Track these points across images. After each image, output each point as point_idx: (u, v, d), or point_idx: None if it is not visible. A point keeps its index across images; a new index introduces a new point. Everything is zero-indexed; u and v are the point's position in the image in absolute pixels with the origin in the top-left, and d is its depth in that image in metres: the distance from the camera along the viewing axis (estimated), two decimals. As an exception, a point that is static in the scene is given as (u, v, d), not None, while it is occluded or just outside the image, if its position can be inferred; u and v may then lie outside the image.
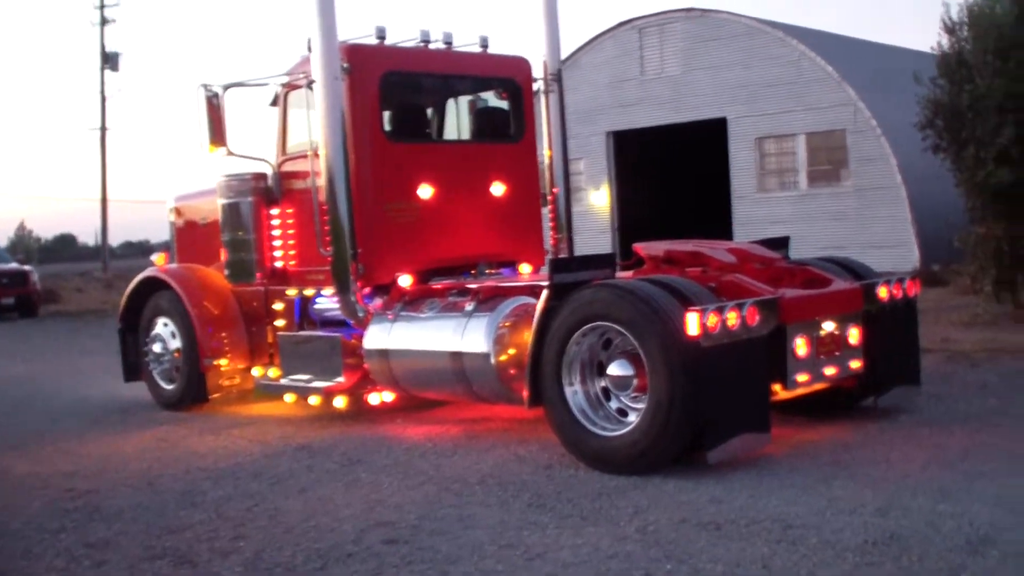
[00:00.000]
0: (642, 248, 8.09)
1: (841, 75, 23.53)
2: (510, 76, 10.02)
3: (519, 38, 11.93)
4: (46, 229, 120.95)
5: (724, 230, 25.93)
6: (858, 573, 4.91)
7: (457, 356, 8.07)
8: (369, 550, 5.77)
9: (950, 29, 14.52)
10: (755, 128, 25.10)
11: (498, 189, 9.86)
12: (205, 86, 9.29)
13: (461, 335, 8.05)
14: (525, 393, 7.38)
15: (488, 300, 8.20)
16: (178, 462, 8.29)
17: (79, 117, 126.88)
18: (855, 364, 7.67)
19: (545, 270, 8.49)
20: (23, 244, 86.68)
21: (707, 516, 5.91)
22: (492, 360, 7.87)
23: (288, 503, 6.87)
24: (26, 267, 27.10)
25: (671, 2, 26.54)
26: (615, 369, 6.97)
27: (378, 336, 8.69)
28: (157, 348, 10.66)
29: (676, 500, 6.27)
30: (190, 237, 11.16)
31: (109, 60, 42.85)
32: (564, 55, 27.83)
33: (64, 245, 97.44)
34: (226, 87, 9.43)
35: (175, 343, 10.47)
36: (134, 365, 11.05)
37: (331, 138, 8.67)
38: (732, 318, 6.58)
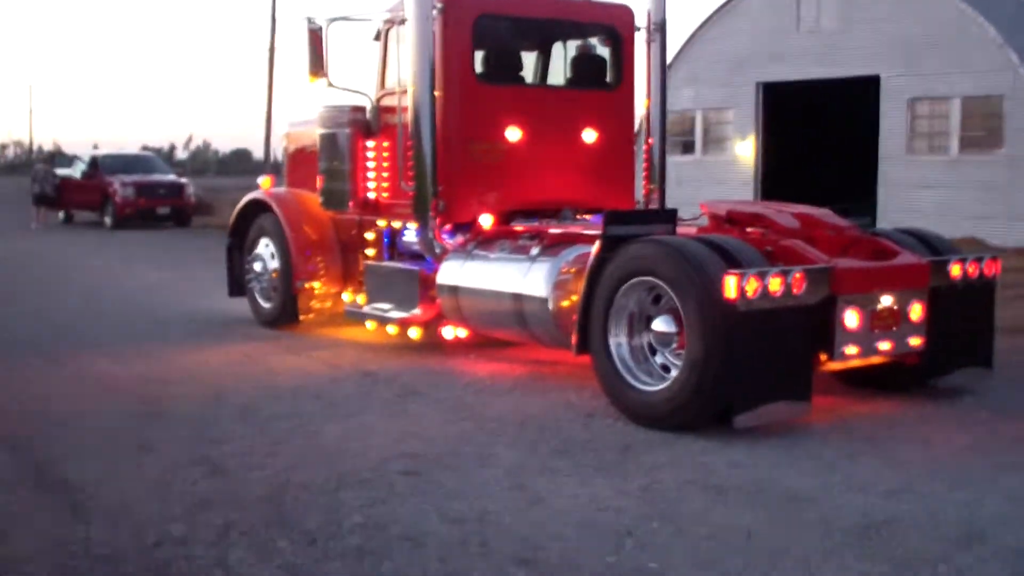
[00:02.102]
0: (707, 206, 8.03)
1: (1004, 38, 22.41)
2: (611, 24, 9.97)
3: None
4: (224, 144, 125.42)
5: (869, 191, 25.22)
6: (835, 552, 4.89)
7: (518, 298, 8.22)
8: (383, 478, 6.01)
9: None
10: (908, 88, 24.17)
11: (590, 136, 9.87)
12: (309, 19, 9.56)
13: (523, 278, 8.19)
14: (573, 339, 7.49)
15: (553, 246, 8.30)
16: (251, 378, 8.71)
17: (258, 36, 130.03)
18: (915, 341, 7.47)
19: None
20: (201, 157, 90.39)
21: (718, 480, 5.94)
22: (550, 305, 7.98)
23: (331, 426, 7.17)
24: (182, 179, 28.38)
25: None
26: (659, 325, 7.01)
27: (450, 272, 8.90)
28: (258, 267, 11.12)
29: (696, 461, 6.30)
30: (299, 163, 11.53)
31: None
32: (721, 1, 27.46)
33: (240, 159, 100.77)
34: (331, 20, 9.68)
35: (273, 264, 10.91)
36: (239, 282, 11.56)
37: (419, 76, 8.86)
38: (775, 284, 6.52)
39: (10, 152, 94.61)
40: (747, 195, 27.13)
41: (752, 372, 6.56)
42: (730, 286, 6.38)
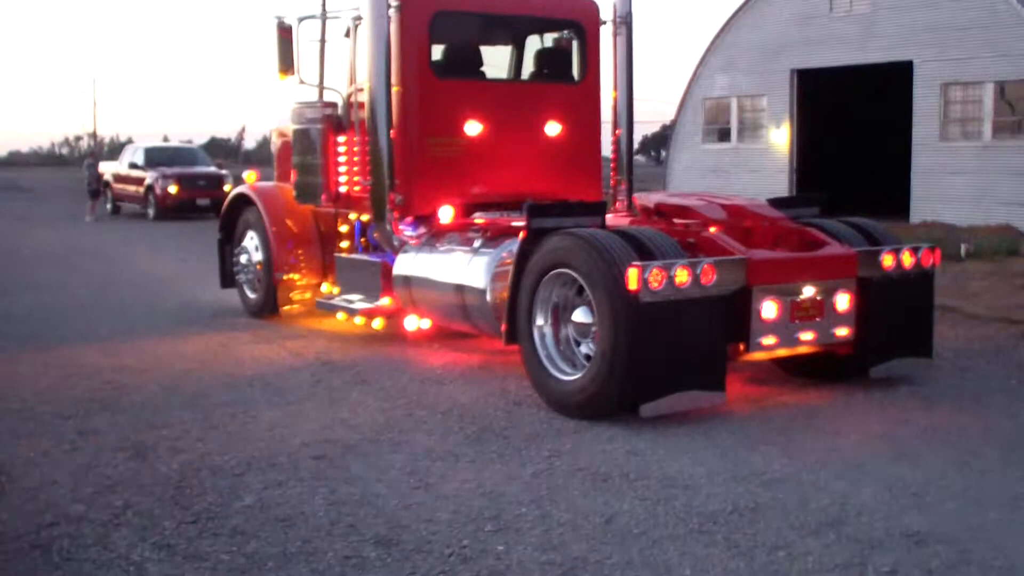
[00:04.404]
0: (638, 198, 8.18)
1: (1037, 21, 22.08)
2: (574, 18, 10.12)
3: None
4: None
5: (903, 177, 25.00)
6: (686, 538, 5.04)
7: (460, 289, 8.44)
8: (294, 463, 6.28)
9: None
10: (941, 73, 23.94)
11: (554, 129, 10.03)
12: (279, 17, 9.86)
13: (465, 269, 8.41)
14: (503, 328, 7.70)
15: (497, 238, 8.50)
16: (215, 366, 9.04)
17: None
18: (842, 332, 7.55)
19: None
20: (268, 148, 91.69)
21: (609, 467, 6.11)
22: (488, 296, 8.19)
23: (269, 413, 7.46)
24: (222, 171, 28.99)
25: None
26: (578, 316, 7.18)
27: (404, 264, 9.15)
28: (244, 259, 11.47)
29: (598, 449, 6.48)
30: (285, 158, 11.83)
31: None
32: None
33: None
34: (301, 19, 9.97)
35: (258, 256, 11.25)
36: (230, 274, 11.93)
37: (375, 71, 9.10)
38: (683, 275, 6.65)
39: (84, 143, 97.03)
40: (783, 183, 27.05)
41: (659, 362, 6.71)
42: (633, 277, 6.53)
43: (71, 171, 62.52)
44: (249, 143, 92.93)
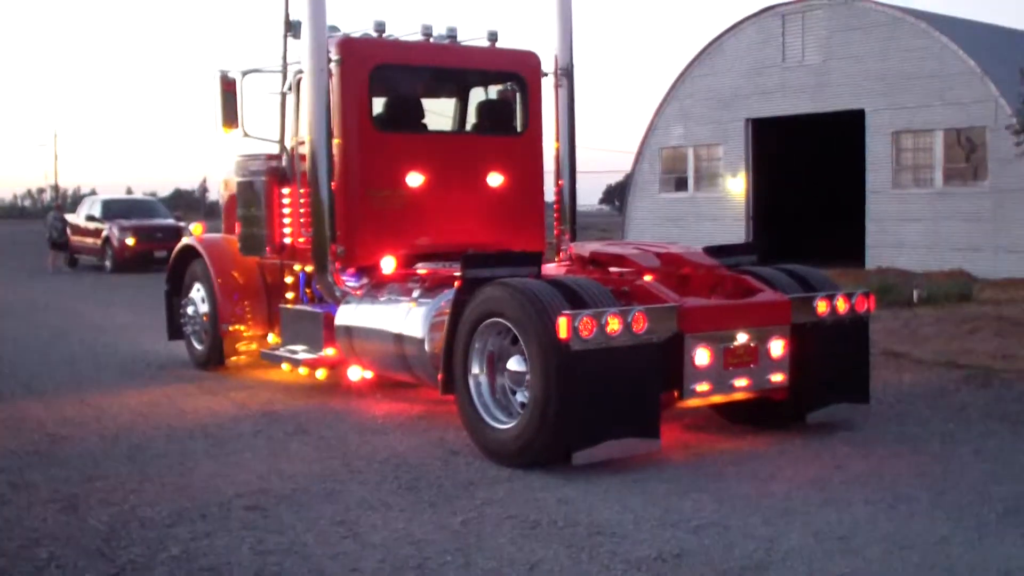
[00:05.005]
0: (574, 247, 8.26)
1: (984, 69, 22.54)
2: (514, 70, 10.26)
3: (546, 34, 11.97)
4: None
5: (858, 224, 25.33)
6: (607, 583, 5.08)
7: (399, 339, 8.47)
8: (226, 513, 6.26)
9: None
10: (892, 122, 24.35)
11: (496, 180, 10.13)
12: (222, 71, 9.93)
13: (404, 319, 8.45)
14: (439, 378, 7.72)
15: (435, 288, 8.54)
16: (157, 418, 9.00)
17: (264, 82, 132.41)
18: (776, 378, 7.63)
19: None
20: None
21: (539, 515, 6.12)
22: (426, 346, 8.22)
23: (206, 464, 7.43)
24: (180, 223, 28.92)
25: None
26: (512, 364, 7.23)
27: (345, 314, 9.18)
28: (191, 311, 11.46)
29: (530, 496, 6.50)
30: (232, 209, 11.86)
31: (292, 28, 44.44)
32: (708, 39, 27.73)
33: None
34: (244, 73, 10.05)
35: (204, 307, 11.23)
36: (177, 326, 11.89)
37: (315, 124, 9.18)
38: (614, 324, 6.72)
39: (47, 196, 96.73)
40: (739, 231, 27.30)
41: (591, 409, 6.75)
42: (563, 326, 6.59)
43: (33, 224, 62.12)
44: (213, 194, 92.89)
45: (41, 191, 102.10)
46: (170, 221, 28.90)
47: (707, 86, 28.10)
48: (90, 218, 29.17)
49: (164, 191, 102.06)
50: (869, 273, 22.37)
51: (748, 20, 27.20)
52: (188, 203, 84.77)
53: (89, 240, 28.92)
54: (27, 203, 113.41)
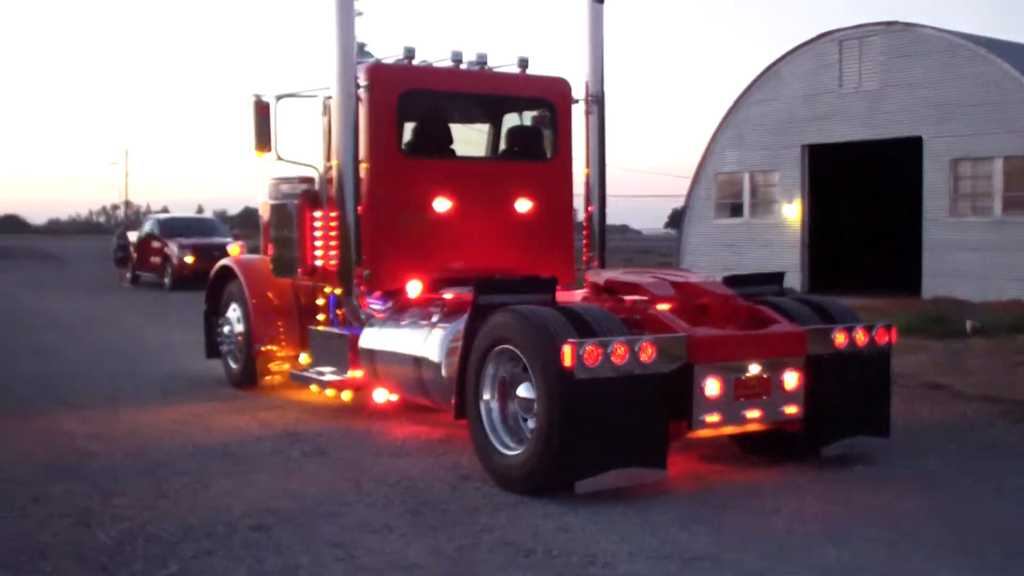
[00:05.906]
0: (589, 275, 8.29)
1: (1044, 97, 22.17)
2: (544, 96, 10.33)
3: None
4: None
5: (914, 252, 24.99)
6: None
7: (418, 363, 8.55)
8: (231, 532, 6.36)
9: None
10: (950, 149, 24.01)
11: (524, 206, 10.19)
12: (256, 95, 10.12)
13: (422, 344, 8.53)
14: (452, 402, 7.79)
15: (453, 313, 8.62)
16: (183, 436, 9.17)
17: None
18: (790, 409, 7.58)
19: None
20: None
21: (535, 543, 6.14)
22: (444, 370, 8.29)
23: (222, 482, 7.56)
24: (239, 242, 29.36)
25: (873, 15, 25.76)
26: (521, 391, 7.26)
27: (369, 337, 9.29)
28: (226, 330, 11.66)
29: (531, 524, 6.52)
30: (268, 231, 12.05)
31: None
32: (765, 64, 27.62)
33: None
34: (279, 97, 10.23)
35: (239, 327, 11.43)
36: (214, 344, 12.11)
37: (343, 150, 9.34)
38: (620, 352, 6.73)
39: (120, 213, 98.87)
40: (794, 258, 27.07)
41: (596, 438, 6.76)
42: (567, 354, 6.62)
43: (106, 239, 63.52)
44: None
45: (115, 207, 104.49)
46: (228, 239, 29.38)
47: (763, 112, 27.95)
48: (150, 236, 29.81)
49: (234, 209, 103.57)
50: (925, 303, 22.04)
51: (805, 46, 27.02)
52: (255, 222, 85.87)
53: (150, 258, 29.54)
54: (101, 219, 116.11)
